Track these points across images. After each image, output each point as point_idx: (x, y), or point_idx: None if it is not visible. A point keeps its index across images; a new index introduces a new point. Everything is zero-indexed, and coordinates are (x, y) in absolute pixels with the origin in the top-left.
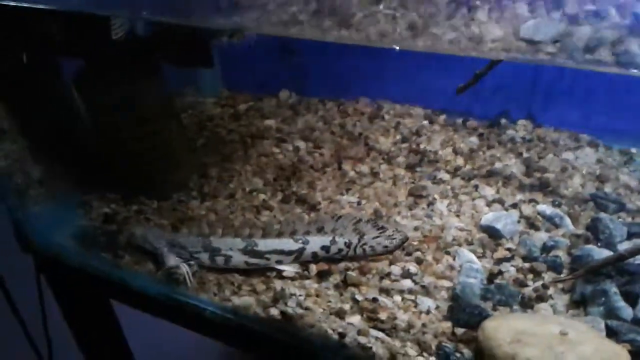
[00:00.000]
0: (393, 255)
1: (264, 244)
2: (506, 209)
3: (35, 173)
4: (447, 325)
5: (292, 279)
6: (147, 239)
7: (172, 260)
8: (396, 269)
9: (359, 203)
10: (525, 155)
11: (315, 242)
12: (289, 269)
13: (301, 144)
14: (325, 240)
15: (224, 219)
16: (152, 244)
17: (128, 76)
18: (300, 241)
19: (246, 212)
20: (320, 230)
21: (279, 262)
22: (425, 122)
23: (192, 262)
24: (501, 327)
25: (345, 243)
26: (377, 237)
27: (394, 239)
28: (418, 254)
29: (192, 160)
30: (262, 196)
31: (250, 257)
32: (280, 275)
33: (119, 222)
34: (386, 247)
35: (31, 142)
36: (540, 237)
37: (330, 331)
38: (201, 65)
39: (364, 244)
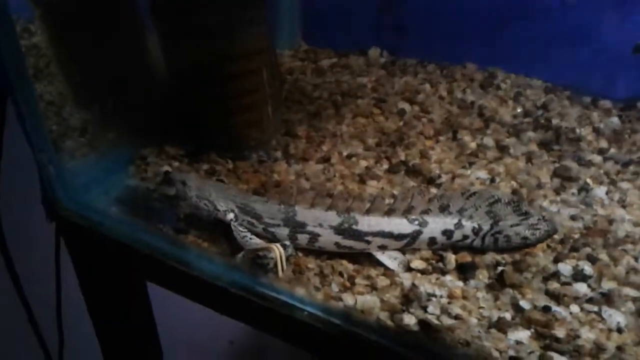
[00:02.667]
0: (556, 250)
1: (366, 223)
2: None
3: (75, 119)
4: None
5: (423, 272)
6: (206, 195)
7: (243, 234)
8: (565, 268)
9: (492, 180)
10: None
11: (437, 225)
12: (390, 263)
13: (406, 107)
14: (449, 222)
15: (319, 186)
16: (214, 204)
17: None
18: (417, 222)
19: (346, 180)
20: (445, 210)
21: (383, 247)
22: (551, 96)
23: (287, 243)
24: None
25: (473, 229)
26: (517, 225)
27: (537, 229)
28: (588, 250)
29: (277, 115)
30: (363, 163)
31: (345, 237)
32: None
33: None
34: (525, 238)
35: (77, 80)
36: None
37: (495, 353)
38: None
39: (498, 232)
